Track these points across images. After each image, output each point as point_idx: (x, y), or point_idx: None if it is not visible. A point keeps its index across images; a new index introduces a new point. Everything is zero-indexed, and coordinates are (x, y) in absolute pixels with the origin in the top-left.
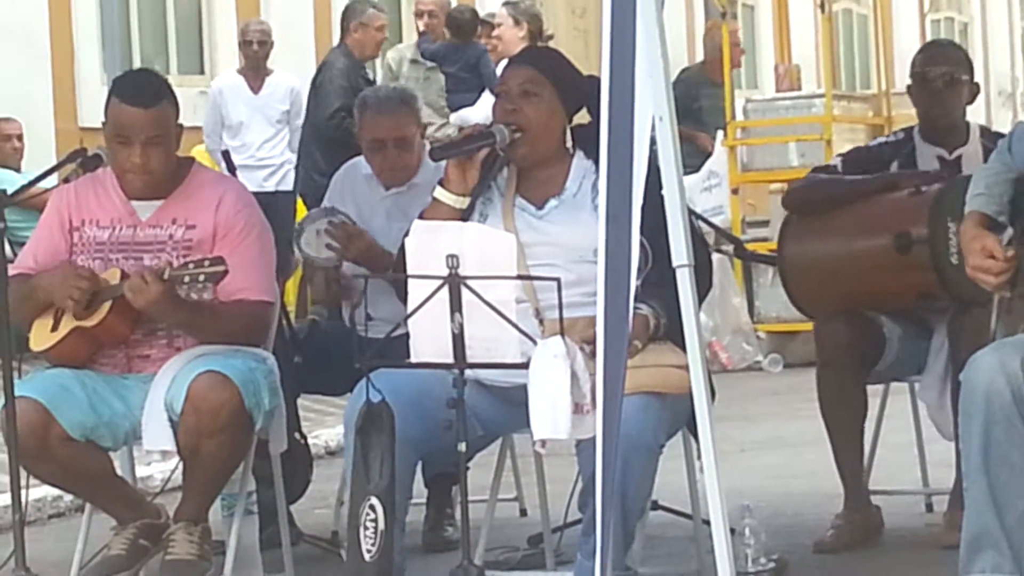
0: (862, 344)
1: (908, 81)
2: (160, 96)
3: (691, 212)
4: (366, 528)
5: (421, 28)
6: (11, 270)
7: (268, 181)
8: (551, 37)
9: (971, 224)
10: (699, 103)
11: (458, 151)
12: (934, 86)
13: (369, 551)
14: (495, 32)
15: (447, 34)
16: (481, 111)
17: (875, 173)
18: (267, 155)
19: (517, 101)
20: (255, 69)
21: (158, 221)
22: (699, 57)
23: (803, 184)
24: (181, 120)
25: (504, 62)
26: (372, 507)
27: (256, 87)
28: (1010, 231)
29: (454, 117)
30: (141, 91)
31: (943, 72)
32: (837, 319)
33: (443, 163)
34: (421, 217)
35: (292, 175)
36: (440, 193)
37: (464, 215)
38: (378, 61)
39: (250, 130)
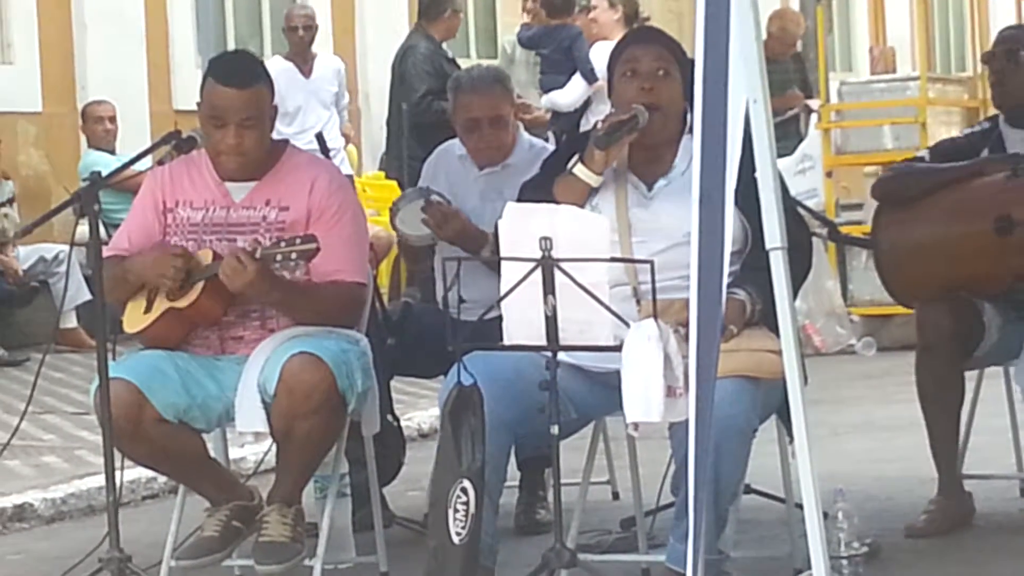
0: (963, 330)
1: None
2: (255, 78)
3: (788, 195)
4: (456, 511)
5: (526, 18)
6: (105, 251)
7: None
8: (647, 19)
9: None
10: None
11: (617, 138)
12: (995, 65)
13: (459, 534)
14: (591, 15)
15: (543, 16)
16: (570, 94)
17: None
18: (328, 143)
19: (652, 80)
20: (303, 54)
21: (251, 202)
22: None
23: (891, 174)
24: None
25: (600, 44)
26: (464, 489)
27: (307, 71)
28: None
29: (544, 100)
30: (237, 72)
31: (1006, 50)
32: (940, 304)
33: (534, 143)
34: (523, 192)
35: (346, 161)
36: (581, 171)
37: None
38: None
39: (308, 115)
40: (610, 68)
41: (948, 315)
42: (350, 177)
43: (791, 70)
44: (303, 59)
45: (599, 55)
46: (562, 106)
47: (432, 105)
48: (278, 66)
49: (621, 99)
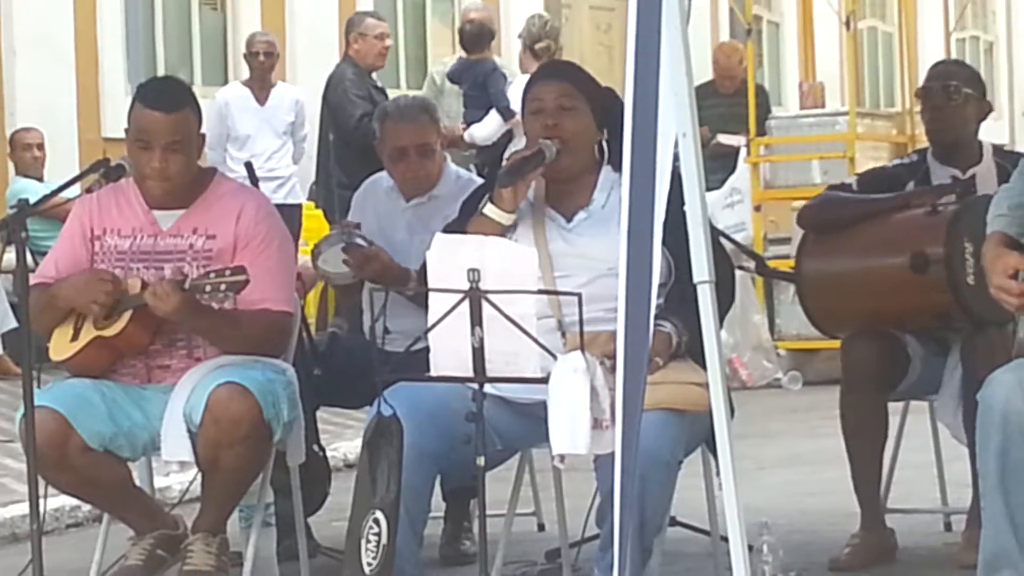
0: (887, 365)
1: None
2: (182, 102)
3: (714, 229)
4: (368, 541)
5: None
6: (32, 279)
7: (276, 193)
8: (551, 51)
9: (993, 244)
10: (705, 112)
11: (521, 175)
12: (934, 101)
13: (369, 564)
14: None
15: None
16: (485, 128)
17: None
18: (275, 166)
19: (555, 116)
20: (261, 80)
21: (179, 231)
22: None
23: (818, 202)
24: (202, 133)
25: (519, 78)
26: (376, 520)
27: (262, 99)
28: None
29: (466, 135)
30: (164, 96)
31: (943, 86)
32: (865, 338)
33: (461, 174)
34: (450, 227)
35: (298, 188)
36: (491, 211)
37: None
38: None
39: (257, 142)
40: (522, 105)
41: (873, 349)
42: (299, 205)
43: (737, 104)
44: (260, 86)
45: (517, 90)
46: (478, 140)
47: (370, 128)
48: (234, 92)
49: (529, 135)
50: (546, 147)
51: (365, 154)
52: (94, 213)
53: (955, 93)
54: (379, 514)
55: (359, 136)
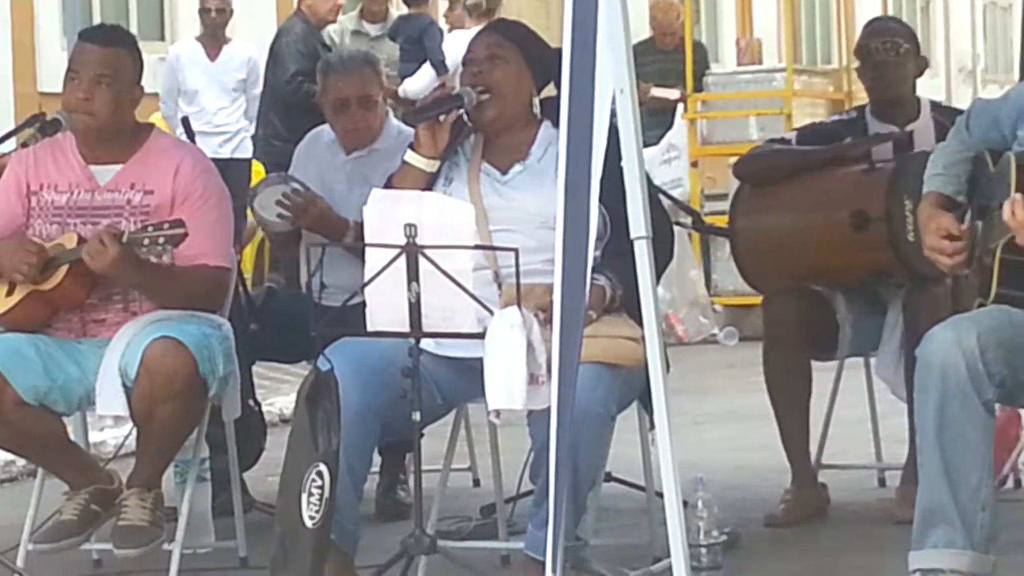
0: (810, 322)
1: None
2: (119, 41)
3: (651, 185)
4: (311, 494)
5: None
6: None
7: (223, 148)
8: (486, 9)
9: (927, 204)
10: (644, 68)
11: (429, 114)
12: (876, 58)
13: (312, 518)
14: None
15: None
16: (418, 82)
17: None
18: (223, 122)
19: (483, 64)
20: (213, 37)
21: (116, 186)
22: None
23: (754, 153)
24: (141, 85)
25: (455, 33)
26: (320, 473)
27: (213, 55)
28: (968, 217)
29: (400, 89)
30: (101, 32)
31: (884, 42)
32: (786, 296)
33: (403, 129)
34: (390, 181)
35: (248, 143)
36: (411, 156)
37: (432, 179)
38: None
39: (206, 97)
40: None
41: (793, 307)
42: (249, 160)
43: (677, 60)
44: (212, 42)
45: (453, 45)
46: (410, 93)
47: (302, 86)
48: (186, 47)
49: (462, 85)
50: (465, 92)
51: (296, 109)
52: (30, 168)
53: (895, 50)
54: (322, 466)
55: (289, 92)
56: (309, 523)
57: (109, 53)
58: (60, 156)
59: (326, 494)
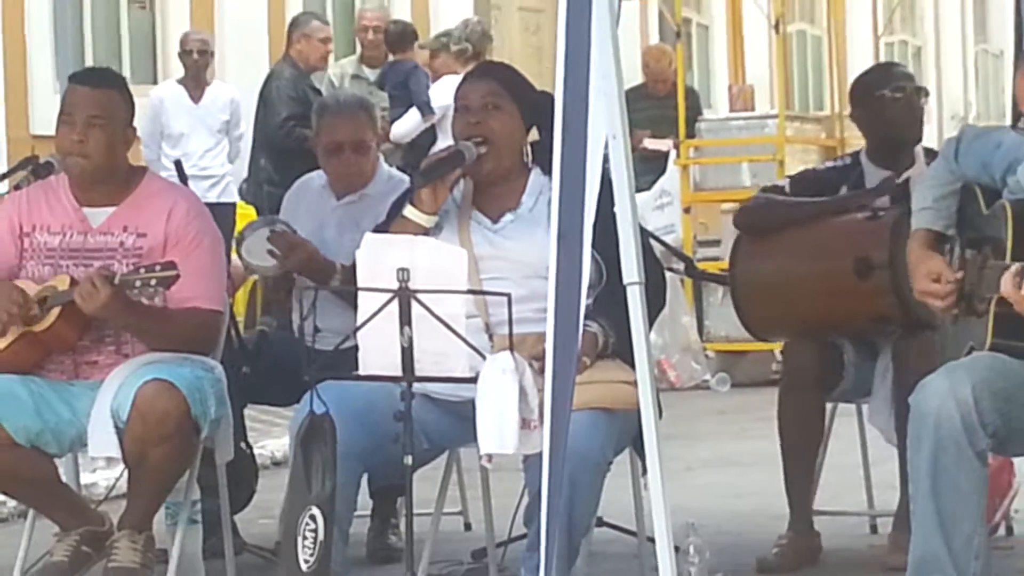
0: (827, 369)
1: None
2: (111, 83)
3: (643, 230)
4: (305, 537)
5: (363, 44)
6: None
7: (210, 192)
8: (471, 53)
9: (917, 244)
10: (636, 115)
11: (435, 175)
12: (911, 100)
13: (307, 561)
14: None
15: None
16: (404, 125)
17: (823, 196)
18: (208, 165)
19: (480, 114)
20: (195, 79)
21: (109, 228)
22: None
23: (755, 204)
24: (133, 126)
25: (445, 78)
26: (312, 516)
27: (197, 97)
28: (958, 250)
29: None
30: (93, 74)
31: (916, 87)
32: (807, 342)
33: (394, 174)
34: (383, 231)
35: (232, 187)
36: (411, 212)
37: (427, 232)
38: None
39: (191, 140)
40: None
41: (814, 354)
42: (233, 204)
43: (670, 107)
44: (195, 84)
45: (441, 89)
46: (396, 137)
47: (293, 131)
48: (169, 90)
49: (455, 135)
50: (466, 148)
51: (288, 154)
52: (23, 210)
53: (924, 95)
54: (315, 510)
55: (281, 136)
56: (304, 566)
57: (102, 95)
58: (53, 198)
59: (320, 537)
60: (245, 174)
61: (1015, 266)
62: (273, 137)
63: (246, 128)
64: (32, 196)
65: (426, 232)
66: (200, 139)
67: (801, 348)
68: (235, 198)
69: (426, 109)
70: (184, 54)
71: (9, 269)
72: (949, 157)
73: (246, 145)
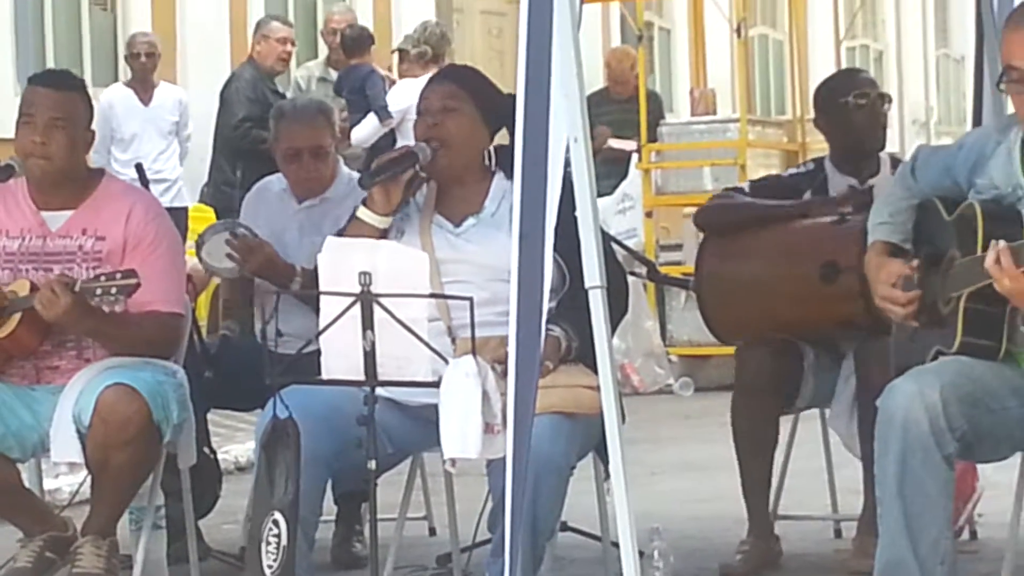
0: (783, 374)
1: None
2: (72, 86)
3: (605, 234)
4: (268, 543)
5: (330, 46)
6: None
7: (163, 196)
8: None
9: (874, 253)
10: (599, 119)
11: (386, 176)
12: (875, 108)
13: (271, 567)
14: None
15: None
16: (361, 130)
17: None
18: (161, 168)
19: (438, 116)
20: (143, 82)
21: (68, 231)
22: None
23: (715, 204)
24: (92, 129)
25: (403, 81)
26: (275, 522)
27: (146, 99)
28: (915, 260)
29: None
30: (53, 76)
31: (879, 94)
32: (761, 346)
33: (354, 177)
34: (341, 235)
35: (184, 191)
36: (363, 213)
37: (384, 234)
38: (292, 75)
39: (143, 143)
40: None
41: (769, 358)
42: (185, 208)
43: (632, 110)
44: (143, 87)
45: (399, 93)
46: (355, 143)
47: (250, 132)
48: (117, 93)
49: (416, 137)
50: (420, 149)
51: (247, 156)
52: None
53: (887, 101)
54: (278, 515)
55: (237, 137)
56: (268, 572)
57: (63, 97)
58: (11, 202)
59: (283, 542)
60: (205, 177)
61: (1002, 243)
62: (229, 138)
63: (193, 129)
64: None
65: (383, 233)
66: (151, 141)
67: (755, 352)
68: (187, 202)
69: (383, 114)
70: (132, 57)
71: None
72: (905, 175)
73: (196, 147)
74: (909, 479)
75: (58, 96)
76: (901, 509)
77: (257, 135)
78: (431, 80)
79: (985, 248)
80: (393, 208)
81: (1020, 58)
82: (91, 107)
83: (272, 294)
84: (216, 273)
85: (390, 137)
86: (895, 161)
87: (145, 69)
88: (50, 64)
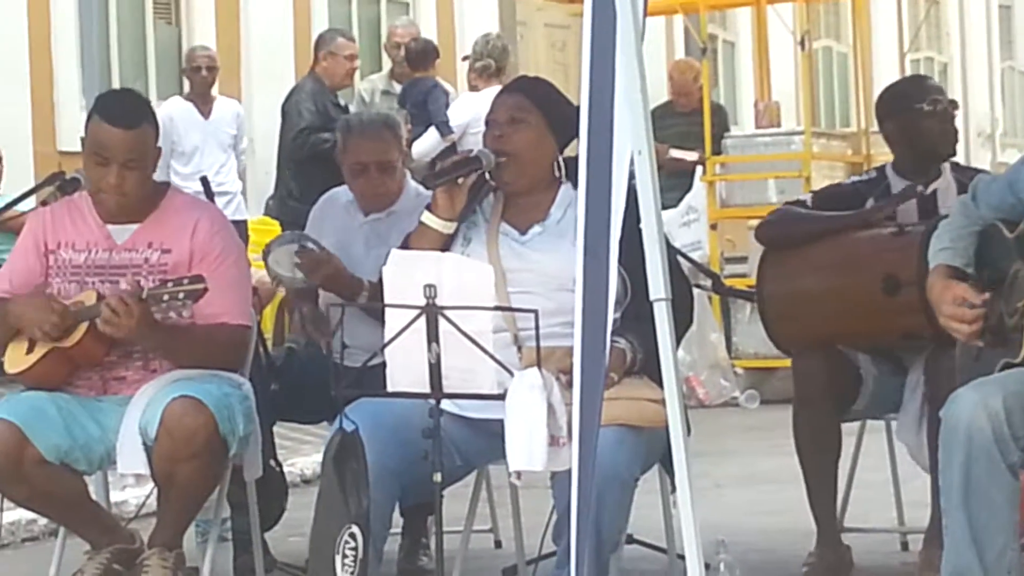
0: (839, 383)
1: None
2: (142, 118)
3: (670, 247)
4: (345, 556)
5: (393, 60)
6: None
7: (225, 209)
8: (495, 69)
9: (938, 277)
10: (664, 131)
11: (448, 178)
12: (943, 114)
13: None
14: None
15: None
16: (422, 144)
17: (848, 210)
18: (223, 181)
19: (504, 128)
20: (203, 95)
21: (134, 245)
22: None
23: (776, 217)
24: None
25: (464, 95)
26: (352, 535)
27: (206, 112)
28: (987, 293)
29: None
30: (123, 111)
31: (947, 100)
32: (815, 357)
33: (422, 191)
34: (407, 241)
35: (243, 205)
36: (428, 218)
37: (450, 240)
38: (355, 88)
39: (204, 156)
40: None
41: (824, 367)
42: (244, 221)
43: (696, 123)
44: (203, 100)
45: (461, 106)
46: (416, 156)
47: (309, 138)
48: (177, 106)
49: (484, 147)
50: (484, 154)
51: (310, 169)
52: (48, 227)
53: (956, 107)
54: (355, 528)
55: (295, 147)
56: None
57: (136, 136)
58: (77, 215)
59: (360, 555)
60: (269, 190)
61: None
62: (289, 148)
63: (257, 142)
64: (56, 213)
65: (447, 239)
66: (212, 155)
67: (809, 361)
68: (246, 215)
69: (444, 129)
70: (192, 70)
71: (35, 287)
72: (967, 202)
73: (260, 160)
74: (974, 488)
75: (129, 136)
76: (966, 519)
77: (316, 139)
78: (501, 91)
79: None
80: (457, 213)
81: None
82: (158, 126)
83: (338, 307)
84: (282, 281)
85: (451, 151)
86: (956, 167)
87: (205, 83)
88: (115, 77)
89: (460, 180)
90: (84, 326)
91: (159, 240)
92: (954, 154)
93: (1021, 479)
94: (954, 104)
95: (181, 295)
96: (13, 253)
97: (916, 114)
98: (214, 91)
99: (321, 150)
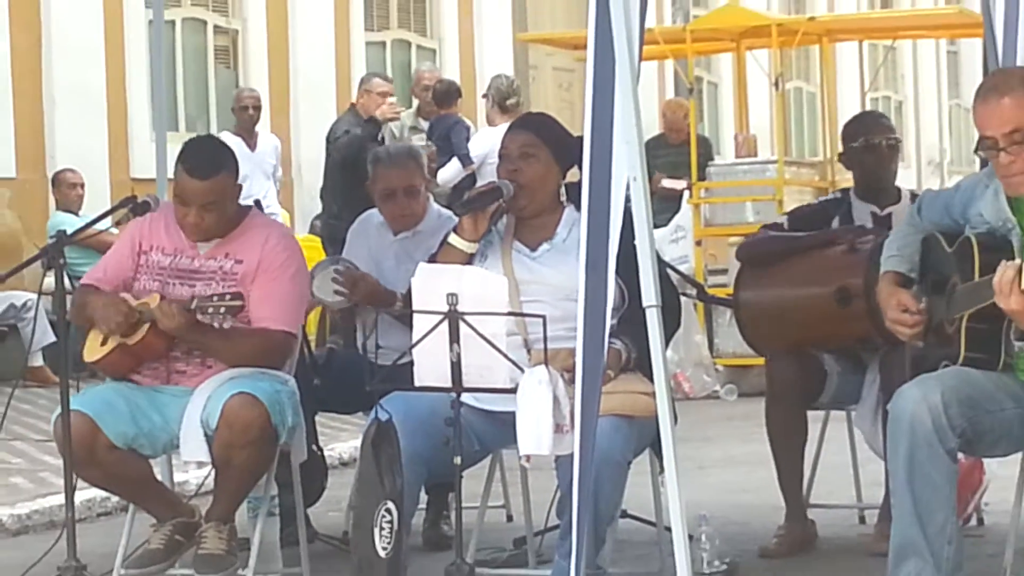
0: (806, 380)
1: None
2: (219, 167)
3: (661, 260)
4: (382, 528)
5: (420, 99)
6: (84, 279)
7: None
8: (514, 104)
9: (886, 283)
10: (656, 160)
11: (479, 206)
12: (881, 151)
13: (384, 548)
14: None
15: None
16: (444, 173)
17: (817, 228)
18: (268, 204)
19: (517, 162)
20: (248, 130)
21: (213, 254)
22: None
23: (752, 240)
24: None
25: (483, 129)
26: (388, 510)
27: (252, 145)
28: (919, 289)
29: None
30: (200, 163)
31: (887, 139)
32: (785, 358)
33: (443, 212)
34: (434, 259)
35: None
36: (454, 239)
37: (471, 258)
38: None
39: (252, 184)
40: None
41: (794, 367)
42: None
43: (684, 153)
44: (249, 134)
45: (479, 140)
46: (441, 183)
47: (345, 136)
48: (228, 141)
49: (499, 177)
50: (504, 185)
51: (343, 194)
52: (145, 231)
53: (897, 145)
54: (391, 504)
55: (339, 147)
56: (382, 553)
57: (211, 185)
58: (171, 223)
59: (395, 527)
60: (313, 212)
61: (1017, 262)
62: (331, 149)
63: (303, 170)
64: (154, 219)
65: (470, 257)
66: (258, 183)
67: (781, 363)
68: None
69: (465, 160)
70: (240, 109)
71: (124, 281)
72: (912, 213)
73: (307, 186)
74: (917, 471)
75: (205, 186)
76: (911, 497)
77: (354, 136)
78: (511, 127)
79: (983, 274)
80: (480, 236)
81: (989, 128)
82: (237, 166)
83: (372, 312)
84: (327, 306)
85: (471, 179)
86: (913, 196)
87: (251, 120)
88: (181, 113)
89: (486, 208)
90: (146, 325)
91: (235, 252)
92: (893, 181)
93: (958, 463)
94: (891, 140)
95: (223, 309)
96: (113, 248)
97: (857, 149)
98: (258, 127)
99: (355, 146)
